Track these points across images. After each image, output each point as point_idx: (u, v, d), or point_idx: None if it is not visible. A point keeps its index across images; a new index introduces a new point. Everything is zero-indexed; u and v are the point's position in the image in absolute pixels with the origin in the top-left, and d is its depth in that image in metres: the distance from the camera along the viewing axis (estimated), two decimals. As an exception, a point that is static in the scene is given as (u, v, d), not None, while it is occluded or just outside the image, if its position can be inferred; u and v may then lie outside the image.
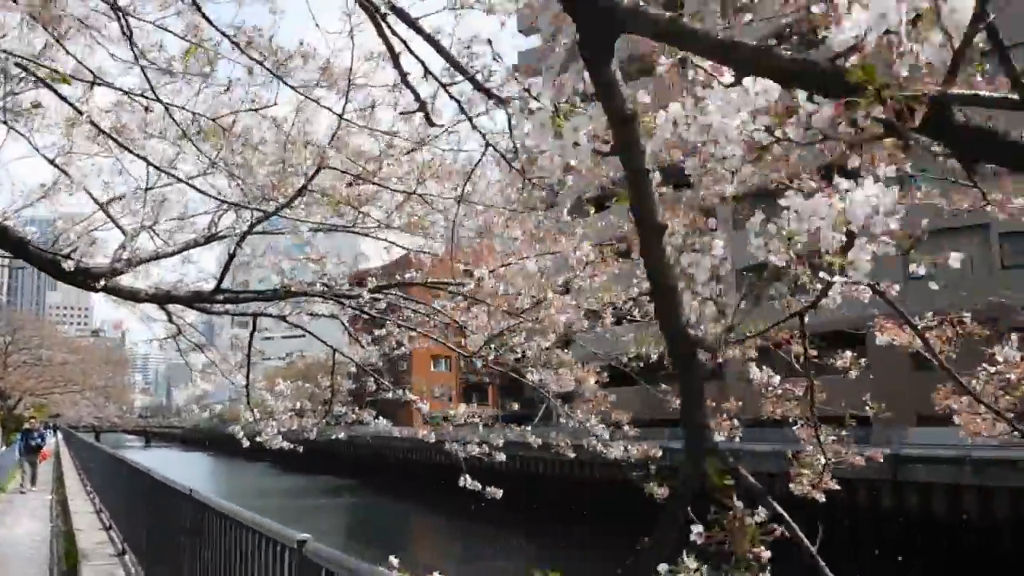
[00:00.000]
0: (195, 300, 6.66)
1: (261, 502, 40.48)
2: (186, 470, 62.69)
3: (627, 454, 6.52)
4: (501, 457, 8.43)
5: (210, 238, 7.05)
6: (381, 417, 8.99)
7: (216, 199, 5.75)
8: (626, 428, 6.44)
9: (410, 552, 32.04)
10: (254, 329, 8.34)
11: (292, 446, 9.05)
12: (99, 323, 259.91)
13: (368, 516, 40.69)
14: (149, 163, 5.40)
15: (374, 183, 5.57)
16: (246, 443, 9.12)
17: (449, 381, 78.31)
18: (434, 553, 32.11)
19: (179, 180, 5.88)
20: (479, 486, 8.22)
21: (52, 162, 7.30)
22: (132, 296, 6.48)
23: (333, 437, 9.28)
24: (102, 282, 6.04)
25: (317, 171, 5.30)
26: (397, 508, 43.76)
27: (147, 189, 6.20)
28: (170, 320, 8.95)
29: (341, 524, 39.11)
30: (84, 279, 6.01)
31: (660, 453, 6.47)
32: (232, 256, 6.30)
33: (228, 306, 7.39)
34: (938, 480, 27.53)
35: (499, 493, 8.07)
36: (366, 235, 7.47)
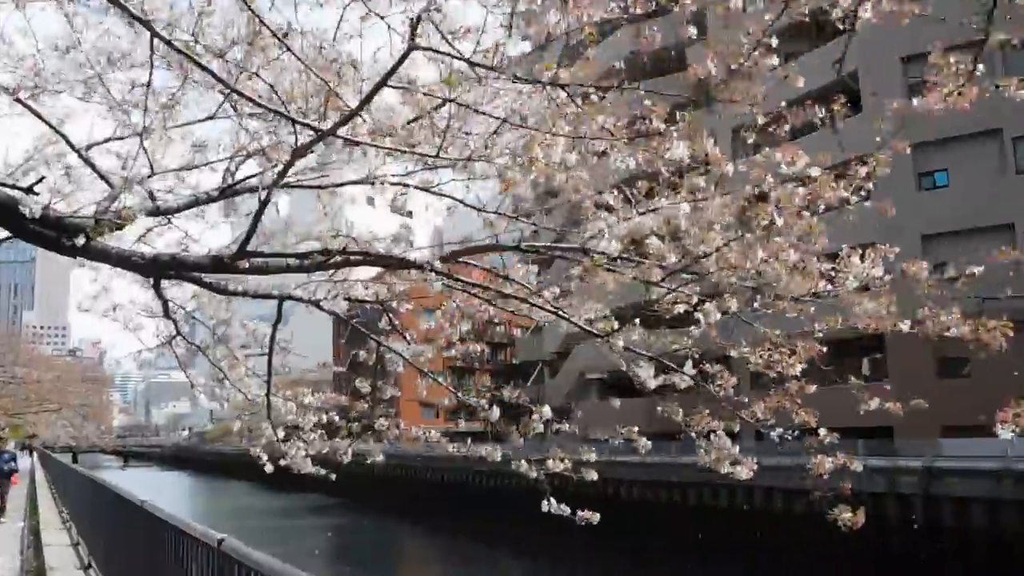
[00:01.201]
0: (211, 268, 4.82)
1: (239, 523, 38.48)
2: (167, 491, 60.55)
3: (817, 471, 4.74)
4: (592, 475, 6.68)
5: (227, 190, 5.24)
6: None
7: (259, 105, 3.89)
8: (823, 433, 4.68)
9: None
10: (278, 319, 6.51)
11: (324, 472, 7.20)
12: (77, 342, 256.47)
13: (364, 539, 38.61)
14: (155, 33, 3.56)
15: (490, 69, 3.73)
16: (270, 468, 7.26)
17: (439, 395, 76.20)
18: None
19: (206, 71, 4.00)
20: (566, 510, 6.45)
21: (15, 96, 5.48)
22: (123, 262, 4.65)
23: (369, 461, 7.38)
24: (82, 239, 4.22)
25: (404, 56, 3.49)
26: (389, 527, 41.79)
27: (147, 94, 4.34)
28: (166, 314, 7.07)
29: (334, 545, 37.15)
30: (57, 234, 4.20)
31: (860, 467, 4.73)
32: (265, 203, 4.49)
33: (251, 282, 5.57)
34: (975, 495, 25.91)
35: (596, 517, 6.26)
36: (419, 191, 5.67)
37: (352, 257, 4.87)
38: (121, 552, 7.82)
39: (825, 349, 4.92)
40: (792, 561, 26.53)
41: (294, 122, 3.90)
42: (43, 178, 4.19)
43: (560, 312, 4.84)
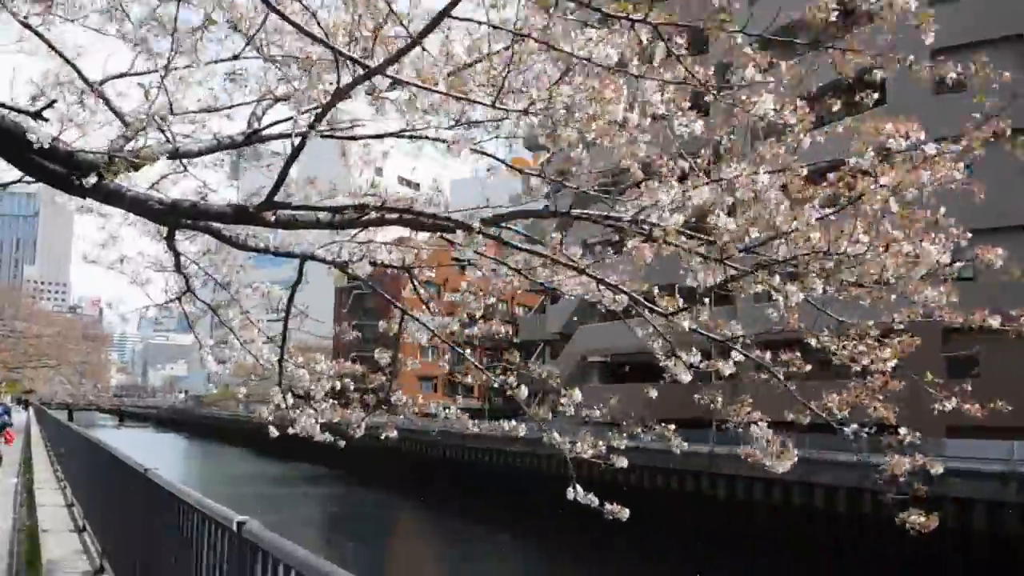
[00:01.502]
0: (234, 218, 4.37)
1: (234, 489, 38.34)
2: (164, 453, 60.48)
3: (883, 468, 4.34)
4: (623, 463, 6.33)
5: (252, 136, 4.78)
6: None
7: (305, 32, 3.39)
8: (903, 432, 4.27)
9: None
10: (299, 281, 6.08)
11: (334, 439, 6.85)
12: (77, 299, 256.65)
13: (362, 511, 38.41)
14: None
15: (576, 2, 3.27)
16: (275, 433, 6.90)
17: (436, 372, 76.18)
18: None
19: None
20: (593, 500, 6.06)
21: (25, 23, 5.00)
22: (138, 206, 4.20)
23: (384, 436, 6.95)
24: (93, 178, 3.76)
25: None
26: (386, 501, 41.65)
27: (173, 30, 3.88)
28: (178, 268, 6.64)
29: (324, 513, 37.00)
30: (67, 171, 3.74)
31: (941, 470, 4.35)
32: (298, 150, 4.03)
33: (271, 240, 5.13)
34: (979, 497, 25.53)
35: (625, 512, 5.88)
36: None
37: (388, 215, 4.41)
38: (119, 518, 7.43)
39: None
40: (791, 556, 26.26)
41: (338, 55, 3.44)
42: (54, 102, 3.72)
43: (620, 287, 4.39)
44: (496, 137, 5.56)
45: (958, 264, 4.67)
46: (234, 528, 3.02)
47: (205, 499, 3.71)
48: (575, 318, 51.58)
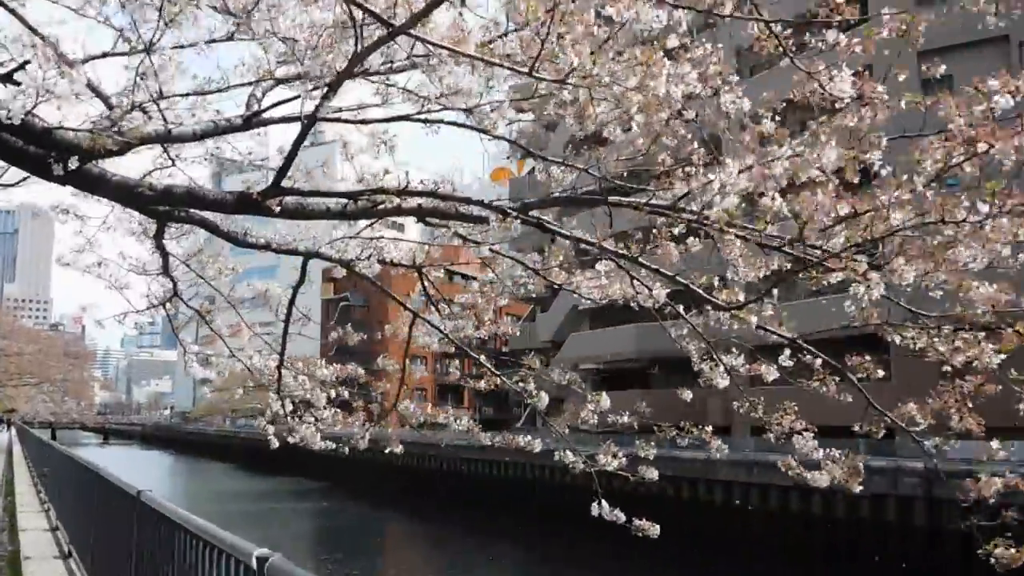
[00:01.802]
0: (235, 207, 3.88)
1: (221, 506, 37.64)
2: (152, 471, 59.57)
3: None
4: (653, 475, 5.91)
5: (252, 119, 4.30)
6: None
7: None
8: (995, 447, 3.83)
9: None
10: (301, 280, 5.60)
11: (336, 447, 6.36)
12: (59, 317, 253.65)
13: (343, 524, 37.73)
14: None
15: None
16: (275, 443, 6.40)
17: (425, 382, 75.55)
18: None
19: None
20: (620, 517, 5.58)
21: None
22: (125, 193, 3.70)
23: (388, 451, 6.45)
24: (75, 161, 3.28)
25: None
26: (383, 515, 41.03)
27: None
28: (165, 270, 6.12)
29: (311, 530, 36.34)
30: (46, 150, 3.26)
31: (1032, 487, 3.88)
32: (309, 127, 3.54)
33: (271, 235, 4.64)
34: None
35: (655, 529, 5.40)
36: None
37: (407, 203, 3.93)
38: (108, 542, 6.89)
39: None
40: (788, 562, 25.90)
41: (355, 7, 2.98)
42: (26, 63, 3.20)
43: (675, 277, 3.94)
44: (509, 123, 5.13)
45: (1022, 256, 4.25)
46: (253, 564, 2.51)
47: (213, 527, 3.19)
48: (565, 326, 51.16)
